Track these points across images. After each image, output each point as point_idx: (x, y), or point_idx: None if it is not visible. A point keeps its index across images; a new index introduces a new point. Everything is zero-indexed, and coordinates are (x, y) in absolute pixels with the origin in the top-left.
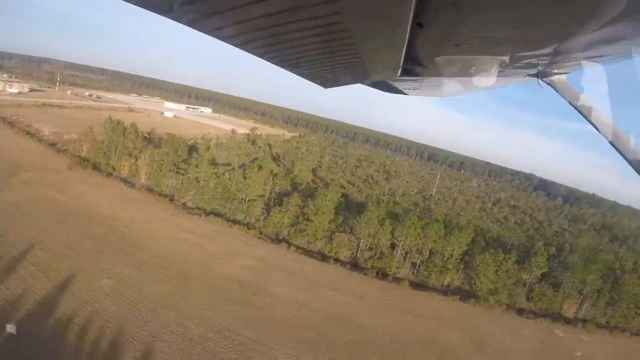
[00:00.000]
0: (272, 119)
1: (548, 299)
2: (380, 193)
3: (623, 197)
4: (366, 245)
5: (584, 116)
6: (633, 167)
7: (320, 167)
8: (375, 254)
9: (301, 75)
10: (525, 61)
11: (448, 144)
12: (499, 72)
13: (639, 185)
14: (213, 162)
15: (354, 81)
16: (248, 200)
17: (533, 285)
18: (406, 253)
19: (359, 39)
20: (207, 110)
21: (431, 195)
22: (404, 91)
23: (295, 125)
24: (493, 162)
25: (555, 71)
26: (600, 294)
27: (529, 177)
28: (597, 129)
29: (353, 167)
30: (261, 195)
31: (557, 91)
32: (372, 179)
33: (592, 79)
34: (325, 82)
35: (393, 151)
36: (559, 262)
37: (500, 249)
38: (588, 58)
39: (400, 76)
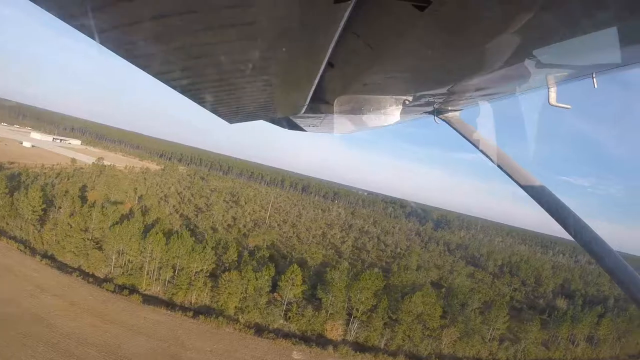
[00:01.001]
0: (145, 152)
1: (307, 319)
2: (209, 220)
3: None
4: (121, 262)
5: (476, 147)
6: (522, 187)
7: (164, 198)
8: (126, 271)
9: (207, 107)
10: (424, 99)
11: (337, 177)
12: (400, 109)
13: (515, 207)
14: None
15: (260, 117)
16: None
17: (291, 305)
18: (159, 269)
19: (273, 75)
20: (76, 142)
21: (264, 222)
22: (305, 128)
23: (169, 159)
24: (379, 192)
25: (450, 108)
26: (374, 313)
27: (403, 204)
28: (488, 157)
29: (200, 198)
30: None
31: (450, 125)
32: (206, 207)
33: (482, 115)
34: (231, 118)
35: (266, 183)
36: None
37: (273, 268)
38: (478, 97)
39: (304, 113)
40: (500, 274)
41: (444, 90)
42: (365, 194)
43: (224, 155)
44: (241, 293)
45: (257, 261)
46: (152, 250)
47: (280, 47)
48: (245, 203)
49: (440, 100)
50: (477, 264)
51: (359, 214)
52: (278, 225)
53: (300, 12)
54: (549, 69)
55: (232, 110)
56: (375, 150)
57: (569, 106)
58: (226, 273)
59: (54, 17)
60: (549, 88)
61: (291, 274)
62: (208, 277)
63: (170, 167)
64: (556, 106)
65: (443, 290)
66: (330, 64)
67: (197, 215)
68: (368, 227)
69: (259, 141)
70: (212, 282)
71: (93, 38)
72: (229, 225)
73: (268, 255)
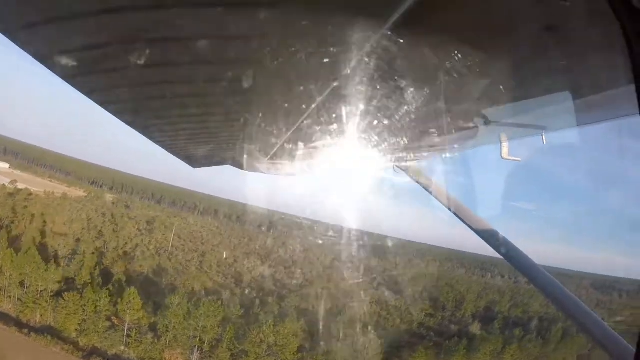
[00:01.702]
0: (76, 179)
1: (145, 346)
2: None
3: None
4: None
5: (432, 194)
6: (476, 232)
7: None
8: None
9: (169, 150)
10: (385, 152)
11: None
12: (361, 160)
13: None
14: None
15: (225, 163)
16: None
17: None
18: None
19: (245, 120)
20: (4, 165)
21: (166, 250)
22: (263, 171)
23: (100, 186)
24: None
25: (409, 159)
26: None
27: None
28: (442, 204)
29: (110, 224)
30: None
31: (409, 175)
32: (113, 233)
33: (439, 166)
34: (194, 162)
35: (200, 213)
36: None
37: None
38: (435, 150)
39: (269, 159)
40: (419, 299)
41: (404, 143)
42: (309, 223)
43: (179, 187)
44: (81, 315)
45: (113, 285)
46: (1, 266)
47: (257, 96)
48: (162, 232)
49: (401, 153)
50: (395, 289)
51: (291, 243)
52: (182, 252)
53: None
54: (501, 128)
55: (195, 153)
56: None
57: (519, 159)
58: (65, 294)
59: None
60: (501, 143)
61: (129, 298)
62: (53, 297)
63: (96, 194)
64: (508, 159)
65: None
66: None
67: (94, 241)
68: (290, 255)
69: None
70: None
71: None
72: (125, 252)
73: (125, 279)
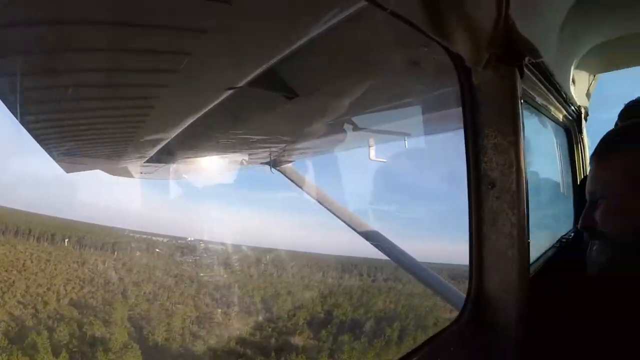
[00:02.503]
0: None
1: None
2: None
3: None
4: None
5: (307, 193)
6: (350, 226)
7: None
8: None
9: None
10: (262, 152)
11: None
12: (239, 161)
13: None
14: None
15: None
16: None
17: None
18: None
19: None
20: None
21: None
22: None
23: None
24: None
25: (284, 160)
26: None
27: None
28: (318, 201)
29: None
30: None
31: (284, 175)
32: None
33: (312, 166)
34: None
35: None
36: None
37: None
38: (310, 151)
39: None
40: (253, 311)
41: (280, 144)
42: (165, 240)
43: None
44: None
45: None
46: None
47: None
48: None
49: (277, 153)
50: (221, 300)
51: (131, 263)
52: None
53: None
54: (369, 133)
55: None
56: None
57: (384, 160)
58: None
59: None
60: (369, 146)
61: None
62: None
63: None
64: (375, 160)
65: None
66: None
67: None
68: (121, 275)
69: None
70: None
71: None
72: None
73: None
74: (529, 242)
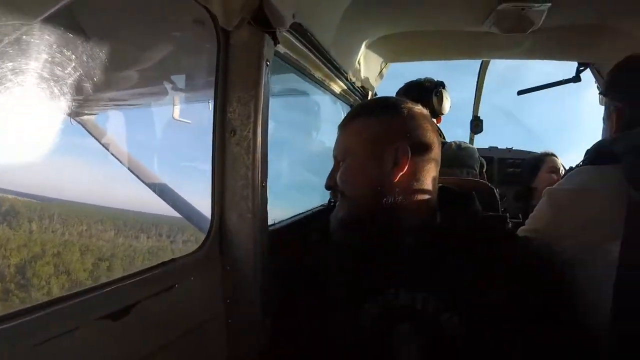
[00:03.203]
0: None
1: None
2: None
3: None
4: None
5: (107, 149)
6: (145, 183)
7: None
8: None
9: None
10: (60, 102)
11: None
12: (36, 110)
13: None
14: None
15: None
16: None
17: None
18: None
19: None
20: None
21: None
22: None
23: None
24: None
25: (85, 112)
26: None
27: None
28: (117, 159)
29: None
30: None
31: (85, 128)
32: None
33: (115, 121)
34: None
35: None
36: None
37: None
38: (112, 105)
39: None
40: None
41: (80, 95)
42: None
43: None
44: None
45: None
46: None
47: None
48: None
49: (77, 104)
50: None
51: None
52: None
53: None
54: (175, 92)
55: None
56: None
57: (189, 121)
58: None
59: None
60: (173, 105)
61: None
62: None
63: None
64: (178, 120)
65: None
66: None
67: None
68: None
69: None
70: None
71: None
72: None
73: None
74: (265, 185)
